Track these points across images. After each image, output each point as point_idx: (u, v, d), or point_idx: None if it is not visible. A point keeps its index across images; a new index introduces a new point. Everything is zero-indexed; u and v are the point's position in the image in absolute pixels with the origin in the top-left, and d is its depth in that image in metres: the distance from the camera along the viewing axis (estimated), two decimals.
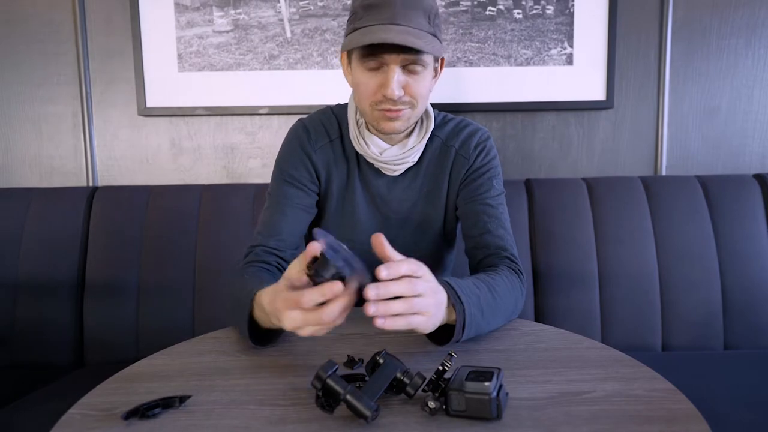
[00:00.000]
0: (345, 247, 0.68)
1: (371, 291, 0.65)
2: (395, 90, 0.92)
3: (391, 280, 0.67)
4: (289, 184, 1.05)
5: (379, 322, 0.65)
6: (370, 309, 0.65)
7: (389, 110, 0.95)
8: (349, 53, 0.99)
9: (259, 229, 1.05)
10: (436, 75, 1.03)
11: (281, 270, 1.02)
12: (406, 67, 0.93)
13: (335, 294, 0.65)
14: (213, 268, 1.53)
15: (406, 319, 0.67)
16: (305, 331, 0.69)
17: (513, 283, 0.94)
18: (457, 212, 1.09)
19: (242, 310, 0.83)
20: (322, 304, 0.66)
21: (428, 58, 0.94)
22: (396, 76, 0.92)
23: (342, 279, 0.65)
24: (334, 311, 0.66)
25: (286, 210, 1.04)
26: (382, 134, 1.02)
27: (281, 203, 1.05)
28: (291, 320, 0.68)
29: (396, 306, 0.67)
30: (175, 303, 1.52)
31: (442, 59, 1.04)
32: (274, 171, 1.09)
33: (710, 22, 1.73)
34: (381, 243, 0.71)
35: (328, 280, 0.65)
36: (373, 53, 0.91)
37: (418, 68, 0.93)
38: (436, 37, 0.94)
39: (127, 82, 1.75)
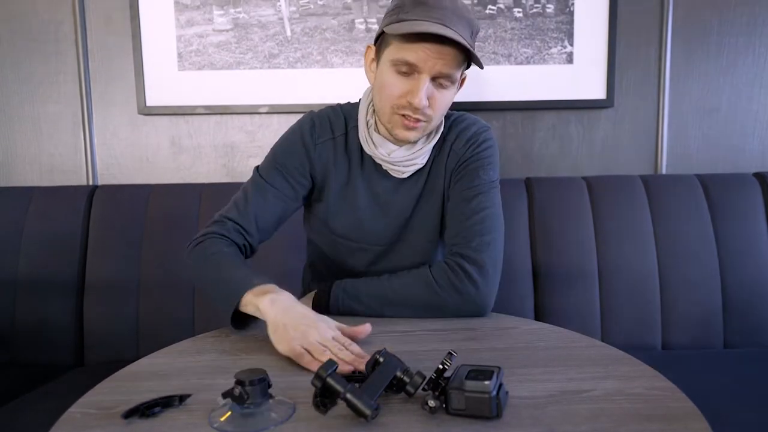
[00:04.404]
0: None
1: None
2: (422, 99, 0.92)
3: None
4: (279, 171, 1.05)
5: None
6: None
7: (408, 118, 0.94)
8: (378, 50, 0.97)
9: (239, 202, 1.04)
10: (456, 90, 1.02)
11: (243, 253, 1.03)
12: (435, 80, 0.93)
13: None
14: None
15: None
16: (309, 362, 0.76)
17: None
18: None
19: (231, 294, 0.88)
20: None
21: (458, 75, 0.95)
22: (425, 85, 0.91)
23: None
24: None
25: (269, 196, 1.04)
26: (396, 141, 1.01)
27: (266, 189, 1.04)
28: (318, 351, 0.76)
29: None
30: (175, 302, 1.52)
31: (464, 76, 1.02)
32: (270, 152, 1.08)
33: (710, 21, 1.72)
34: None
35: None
36: (414, 43, 0.89)
37: (447, 83, 0.94)
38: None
39: (127, 81, 1.75)
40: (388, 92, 0.95)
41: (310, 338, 0.77)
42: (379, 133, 1.02)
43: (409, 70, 0.92)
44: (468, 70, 1.01)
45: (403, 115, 0.95)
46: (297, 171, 1.05)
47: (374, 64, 1.00)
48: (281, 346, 0.78)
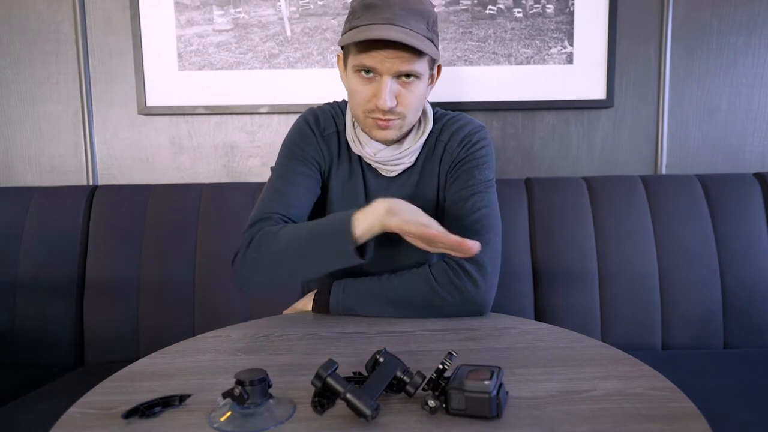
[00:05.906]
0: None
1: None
2: (387, 101, 0.93)
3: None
4: (299, 161, 1.05)
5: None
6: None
7: (380, 119, 0.96)
8: (345, 57, 0.99)
9: (270, 197, 1.02)
10: (432, 82, 1.02)
11: None
12: (399, 78, 0.94)
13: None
14: (213, 266, 1.53)
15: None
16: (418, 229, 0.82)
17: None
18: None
19: (340, 233, 0.88)
20: None
21: (422, 69, 0.95)
22: (388, 86, 0.93)
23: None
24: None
25: (299, 185, 1.03)
26: (375, 141, 1.02)
27: (293, 179, 1.03)
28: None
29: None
30: (175, 302, 1.52)
31: (439, 66, 1.03)
32: (282, 150, 1.07)
33: (710, 21, 1.72)
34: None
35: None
36: (368, 50, 0.91)
37: (412, 79, 0.94)
38: (433, 42, 0.94)
39: (127, 81, 1.75)
40: (356, 98, 0.97)
41: (420, 219, 0.85)
42: (365, 131, 1.03)
43: (370, 73, 0.94)
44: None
45: (376, 118, 0.96)
46: (314, 158, 1.06)
47: (345, 70, 1.01)
48: (393, 219, 0.85)
